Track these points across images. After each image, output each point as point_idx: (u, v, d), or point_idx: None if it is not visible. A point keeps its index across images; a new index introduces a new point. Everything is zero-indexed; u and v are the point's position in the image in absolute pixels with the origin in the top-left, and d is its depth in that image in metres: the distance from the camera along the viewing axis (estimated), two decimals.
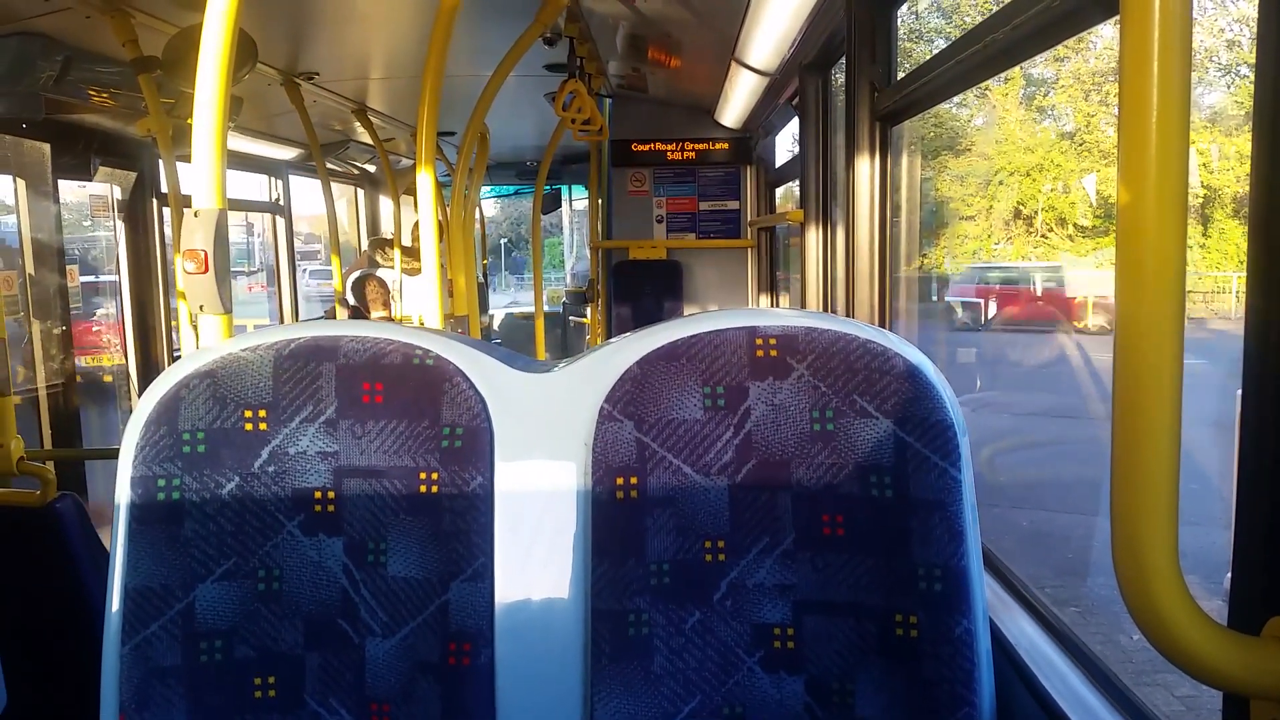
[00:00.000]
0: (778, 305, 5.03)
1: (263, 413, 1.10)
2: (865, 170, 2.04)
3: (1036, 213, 15.57)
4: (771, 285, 5.11)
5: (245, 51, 3.05)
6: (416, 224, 5.24)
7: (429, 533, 1.08)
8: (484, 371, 1.12)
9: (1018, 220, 15.75)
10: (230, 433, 1.09)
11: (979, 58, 1.43)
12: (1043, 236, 15.46)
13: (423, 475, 1.09)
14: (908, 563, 1.04)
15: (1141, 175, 0.61)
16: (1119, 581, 0.64)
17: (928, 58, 1.66)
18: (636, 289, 5.21)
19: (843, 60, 2.43)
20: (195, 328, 1.56)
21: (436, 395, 1.09)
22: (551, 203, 8.44)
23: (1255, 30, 0.68)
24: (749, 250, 5.29)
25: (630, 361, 1.09)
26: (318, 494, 1.10)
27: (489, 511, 1.08)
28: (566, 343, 8.30)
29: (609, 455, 1.08)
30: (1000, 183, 15.90)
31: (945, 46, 1.54)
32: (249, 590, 1.09)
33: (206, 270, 1.48)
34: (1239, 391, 0.69)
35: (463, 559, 1.07)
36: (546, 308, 9.43)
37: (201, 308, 1.51)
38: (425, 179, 2.43)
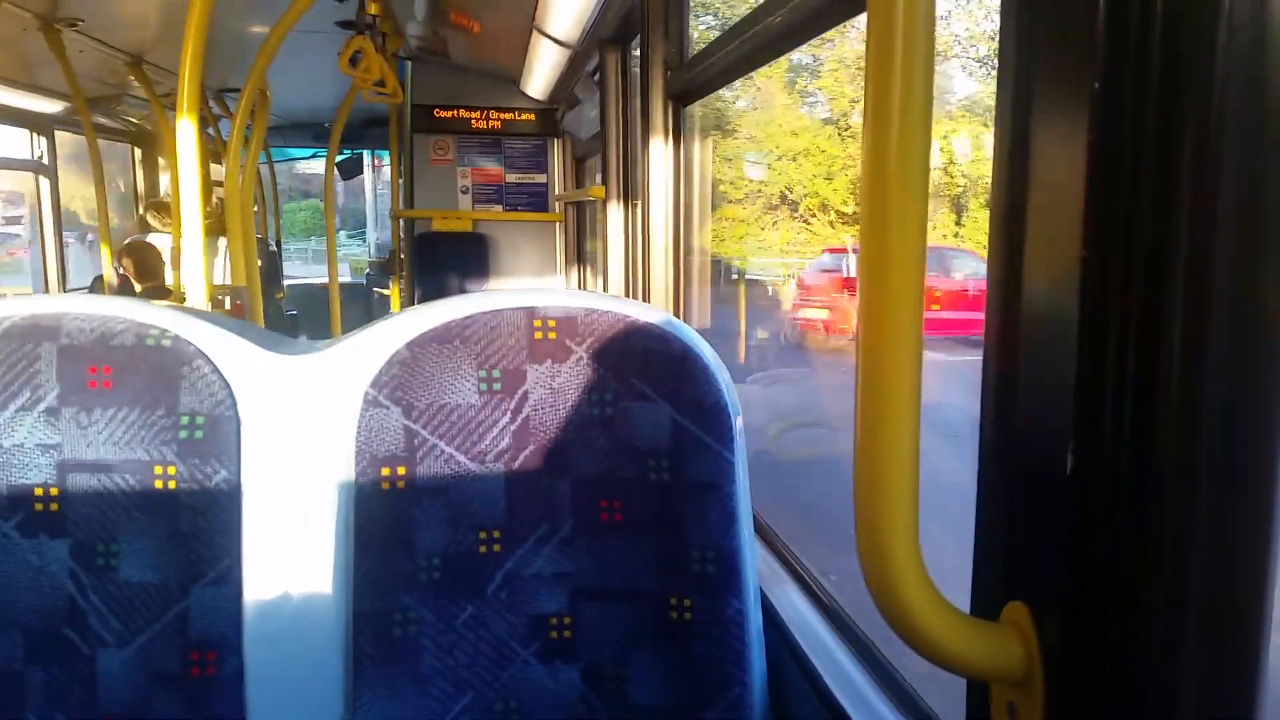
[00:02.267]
0: (585, 281, 5.03)
1: None
2: (659, 150, 2.04)
3: (801, 198, 16.20)
4: (579, 261, 5.10)
5: None
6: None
7: (166, 533, 0.99)
8: (231, 353, 1.02)
9: (783, 205, 16.34)
10: None
11: (761, 39, 1.44)
12: (804, 222, 16.13)
13: (158, 469, 0.99)
14: (682, 545, 1.04)
15: (884, 173, 0.61)
16: (862, 570, 0.65)
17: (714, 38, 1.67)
18: (442, 262, 5.06)
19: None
20: None
21: (174, 380, 0.99)
22: (352, 167, 8.05)
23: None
24: (558, 225, 5.25)
25: (399, 343, 1.03)
26: (38, 491, 0.98)
27: (234, 509, 1.00)
28: (371, 316, 7.98)
29: (374, 444, 1.01)
30: (769, 166, 16.42)
31: (729, 28, 1.55)
32: None
33: None
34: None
35: (204, 561, 0.98)
36: (350, 279, 9.05)
37: None
38: (187, 132, 2.23)
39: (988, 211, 0.70)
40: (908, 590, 0.62)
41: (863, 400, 0.62)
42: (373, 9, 3.26)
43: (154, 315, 1.01)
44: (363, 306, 7.90)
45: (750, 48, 1.48)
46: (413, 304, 5.06)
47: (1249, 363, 0.54)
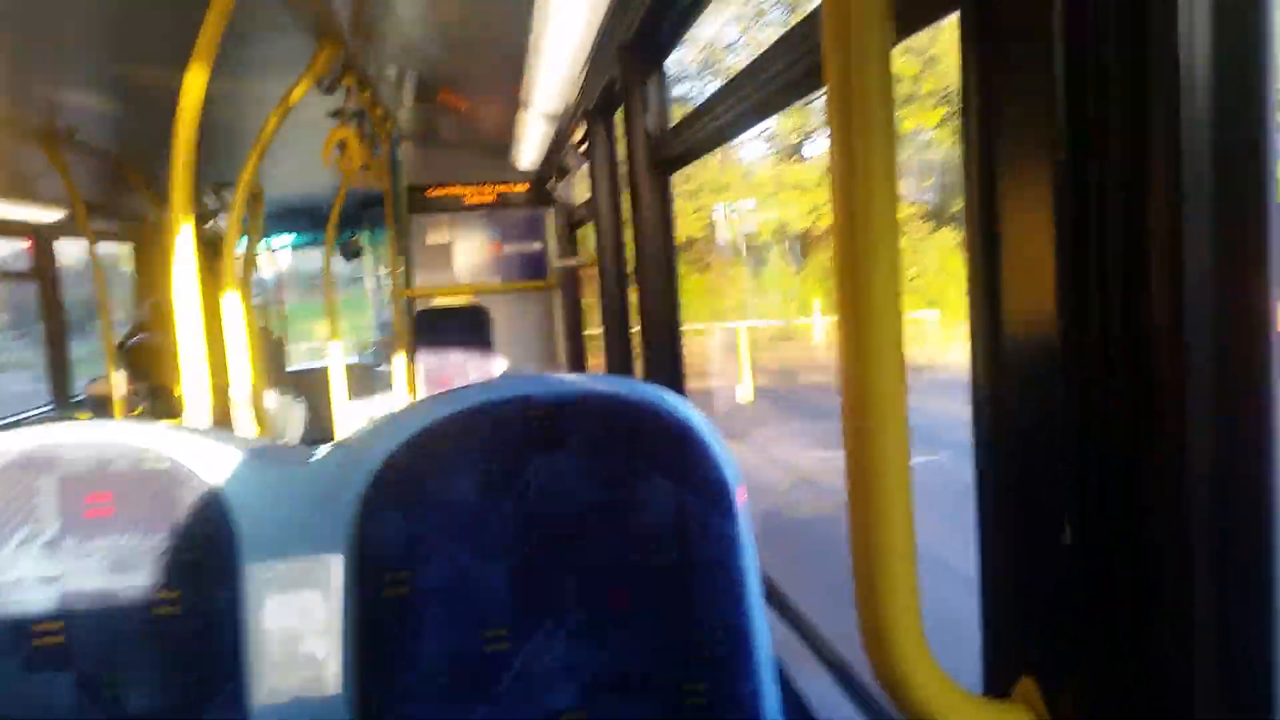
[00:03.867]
0: (583, 344, 5.05)
1: None
2: (648, 217, 2.06)
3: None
4: (577, 327, 5.12)
5: None
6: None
7: (171, 659, 0.98)
8: (226, 469, 1.02)
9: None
10: None
11: (736, 110, 1.46)
12: None
13: (161, 594, 0.98)
14: (693, 628, 1.02)
15: (853, 229, 0.61)
16: (865, 651, 0.64)
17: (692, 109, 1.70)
18: (444, 336, 5.09)
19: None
20: None
21: (172, 501, 0.99)
22: (353, 250, 8.15)
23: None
24: (555, 291, 5.28)
25: (395, 445, 1.03)
26: (40, 626, 0.97)
27: (238, 629, 0.99)
28: (374, 391, 7.99)
29: (375, 550, 1.01)
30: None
31: (706, 100, 1.58)
32: None
33: None
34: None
35: (211, 685, 0.97)
36: (357, 358, 9.07)
37: None
38: (180, 232, 2.26)
39: (968, 273, 0.70)
40: (913, 671, 0.61)
41: (853, 476, 0.62)
42: (362, 99, 3.33)
43: (149, 438, 1.02)
44: (369, 384, 7.91)
45: (727, 118, 1.51)
46: (419, 380, 5.07)
47: (1239, 427, 0.53)
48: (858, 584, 0.63)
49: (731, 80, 1.42)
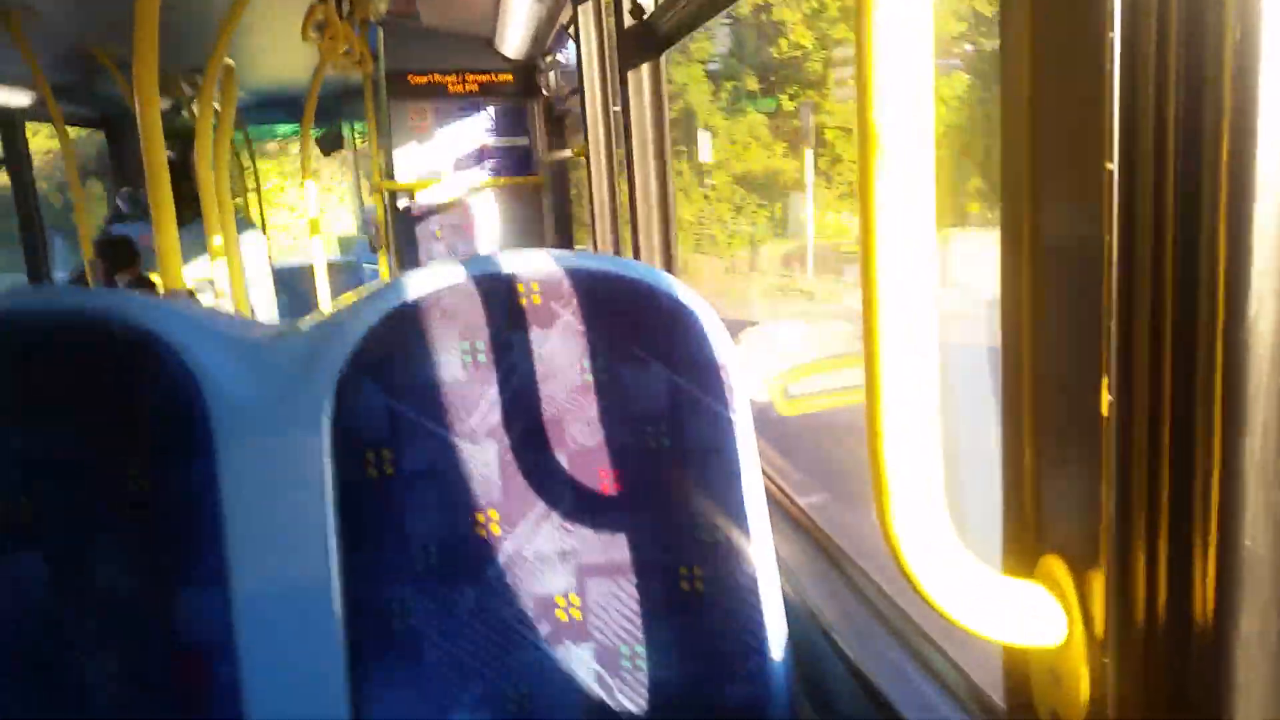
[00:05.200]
0: (573, 242, 4.95)
1: None
2: (639, 101, 1.96)
3: None
4: (566, 223, 5.01)
5: None
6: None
7: (145, 536, 0.94)
8: (197, 340, 0.96)
9: None
10: None
11: None
12: None
13: (131, 471, 0.93)
14: (687, 513, 0.99)
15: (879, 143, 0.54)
16: (879, 524, 0.60)
17: None
18: (427, 233, 4.98)
19: None
20: None
21: (138, 374, 0.94)
22: (333, 141, 7.92)
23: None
24: (544, 186, 5.15)
25: (375, 319, 0.98)
26: (7, 502, 0.93)
27: (215, 505, 0.95)
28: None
29: (356, 427, 0.96)
30: None
31: None
32: None
33: None
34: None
35: (187, 564, 0.93)
36: (340, 256, 8.95)
37: None
38: (148, 118, 2.16)
39: (1001, 117, 0.64)
40: (930, 548, 0.57)
41: (869, 337, 0.56)
42: None
43: (115, 306, 0.96)
44: (354, 283, 7.81)
45: None
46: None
47: None
48: (872, 456, 0.58)
49: None
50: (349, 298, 1.07)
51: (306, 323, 1.03)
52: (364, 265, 8.07)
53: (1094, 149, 0.53)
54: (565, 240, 5.06)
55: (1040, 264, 0.59)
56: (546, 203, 5.18)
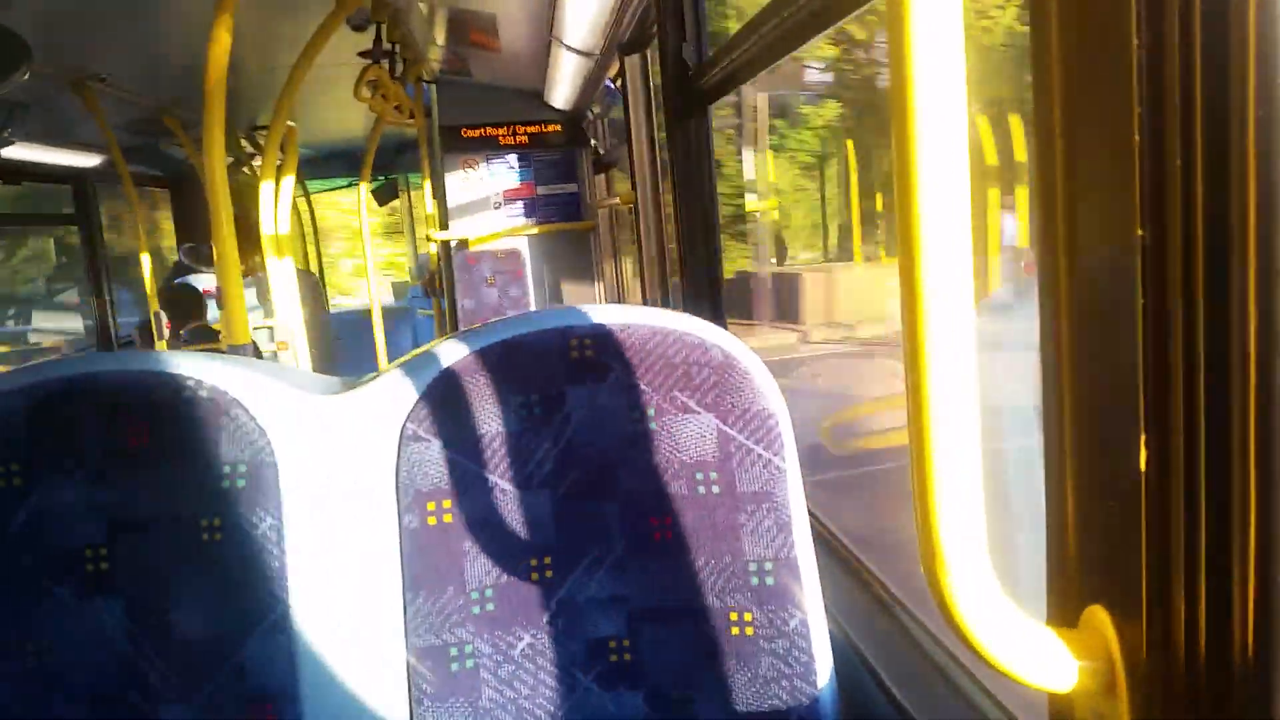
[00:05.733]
0: (625, 286, 5.02)
1: (15, 466, 0.97)
2: (686, 152, 2.01)
3: None
4: (616, 267, 5.08)
5: (16, 53, 2.77)
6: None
7: (216, 585, 0.98)
8: (266, 398, 1.01)
9: None
10: None
11: (779, 32, 1.41)
12: None
13: (204, 522, 0.98)
14: (739, 559, 1.01)
15: (916, 174, 0.57)
16: (925, 578, 0.62)
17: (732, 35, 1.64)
18: (480, 279, 5.08)
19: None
20: None
21: (212, 431, 0.99)
22: (387, 193, 8.14)
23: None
24: (593, 233, 5.24)
25: (434, 375, 1.02)
26: (88, 552, 0.98)
27: (280, 556, 0.99)
28: (417, 339, 8.06)
29: (416, 479, 1.00)
30: None
31: (746, 24, 1.52)
32: (15, 669, 0.97)
33: None
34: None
35: (256, 611, 0.98)
36: (394, 301, 9.14)
37: None
38: (215, 177, 2.26)
39: (1031, 192, 0.66)
40: (975, 599, 0.59)
41: (913, 387, 0.58)
42: (394, 35, 3.28)
43: (188, 366, 1.01)
44: (408, 327, 7.97)
45: (769, 40, 1.45)
46: (455, 324, 5.09)
47: None
48: (917, 506, 0.60)
49: (773, 1, 1.36)
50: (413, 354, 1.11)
51: (371, 378, 1.08)
52: (417, 311, 8.24)
53: (1126, 216, 0.56)
54: (613, 285, 5.13)
55: (1077, 327, 0.61)
56: (595, 249, 5.26)
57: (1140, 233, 0.54)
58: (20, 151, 4.46)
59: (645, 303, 2.89)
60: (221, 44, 2.10)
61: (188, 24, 3.24)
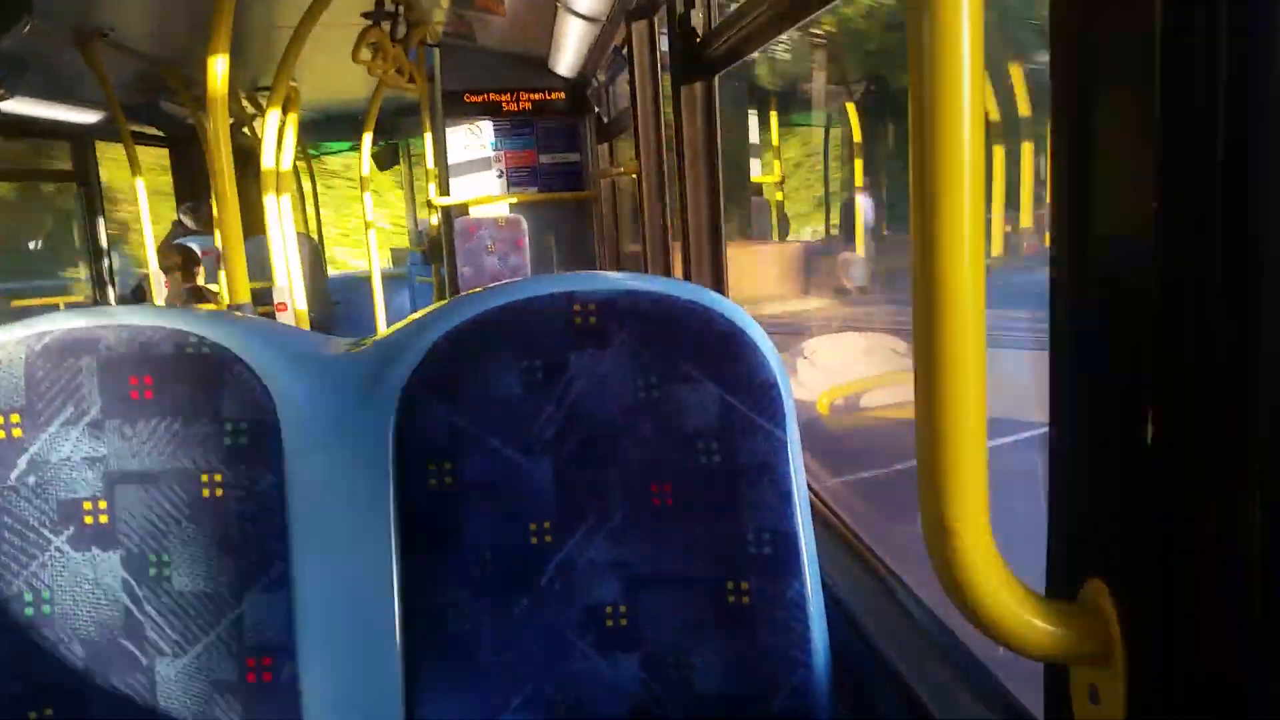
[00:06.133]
0: (620, 258, 5.01)
1: (15, 418, 0.97)
2: (692, 121, 1.99)
3: None
4: (617, 238, 5.07)
5: (16, 5, 2.73)
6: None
7: (216, 541, 0.98)
8: (268, 356, 1.01)
9: None
10: None
11: (786, 2, 1.39)
12: None
13: (204, 478, 0.98)
14: (737, 529, 1.01)
15: (934, 162, 0.57)
16: (927, 548, 0.62)
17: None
18: (480, 247, 5.07)
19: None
20: None
21: (214, 387, 0.99)
22: (389, 157, 8.09)
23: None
24: (594, 202, 5.22)
25: (437, 336, 1.02)
26: (87, 504, 0.98)
27: (282, 513, 0.99)
28: (415, 305, 8.06)
29: (418, 440, 1.00)
30: None
31: None
32: (15, 616, 0.97)
33: None
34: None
35: (256, 567, 0.98)
36: (393, 267, 9.12)
37: None
38: (218, 137, 2.25)
39: (1050, 160, 0.66)
40: (976, 569, 0.59)
41: (921, 359, 0.58)
42: (395, 0, 3.25)
43: (191, 323, 1.01)
44: (405, 293, 7.96)
45: (778, 10, 1.43)
46: (455, 291, 5.08)
47: None
48: (921, 476, 0.60)
49: None
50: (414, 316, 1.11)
51: (372, 340, 1.07)
52: (415, 278, 8.22)
53: (1141, 186, 0.55)
54: (613, 255, 5.12)
55: (1088, 297, 0.61)
56: (597, 218, 5.24)
57: (1155, 205, 0.54)
58: (19, 106, 4.42)
59: (647, 272, 2.89)
60: (226, 0, 2.08)
61: None
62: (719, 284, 2.02)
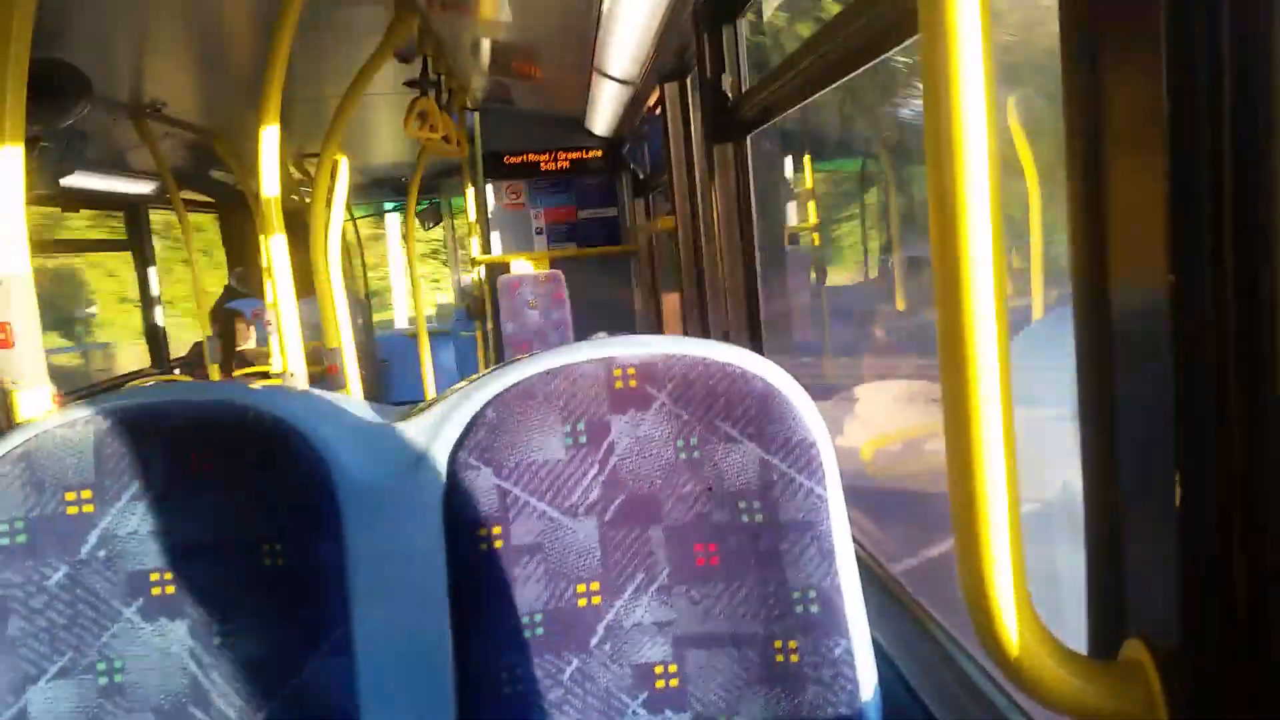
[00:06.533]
0: (662, 311, 5.05)
1: (87, 494, 1.02)
2: (725, 182, 2.04)
3: None
4: (655, 291, 5.12)
5: (78, 86, 2.88)
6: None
7: (277, 608, 1.02)
8: (324, 428, 1.06)
9: None
10: (53, 519, 1.01)
11: (817, 67, 1.44)
12: None
13: (265, 547, 1.02)
14: (783, 587, 1.03)
15: (950, 195, 0.60)
16: (967, 609, 0.64)
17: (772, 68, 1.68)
18: (522, 303, 5.16)
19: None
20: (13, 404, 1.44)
21: (273, 459, 1.03)
22: (433, 216, 8.28)
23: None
24: (633, 256, 5.30)
25: (482, 404, 1.05)
26: (154, 575, 1.03)
27: (341, 580, 1.03)
28: (460, 361, 8.17)
29: (467, 506, 1.03)
30: None
31: (786, 58, 1.55)
32: (89, 687, 1.01)
33: (10, 345, 1.37)
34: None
35: (316, 634, 1.01)
36: (436, 324, 9.28)
37: (15, 384, 1.40)
38: (269, 207, 2.34)
39: (1069, 231, 0.68)
40: (1016, 629, 0.60)
41: (952, 423, 0.61)
42: (439, 67, 3.36)
43: (250, 395, 1.06)
44: (449, 348, 8.08)
45: (807, 76, 1.48)
46: (499, 347, 5.16)
47: None
48: (958, 538, 0.62)
49: (814, 35, 1.40)
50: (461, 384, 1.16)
51: (422, 408, 1.12)
52: (460, 332, 8.35)
53: (1156, 254, 0.57)
54: (655, 307, 5.17)
55: (1115, 368, 0.63)
56: (635, 272, 5.32)
57: (1170, 276, 0.56)
58: (76, 179, 4.62)
59: (685, 328, 2.92)
60: (278, 69, 2.18)
61: (241, 55, 3.35)
62: (755, 341, 2.05)
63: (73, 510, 1.02)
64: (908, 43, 1.13)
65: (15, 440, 1.02)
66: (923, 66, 0.64)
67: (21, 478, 1.00)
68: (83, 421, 1.03)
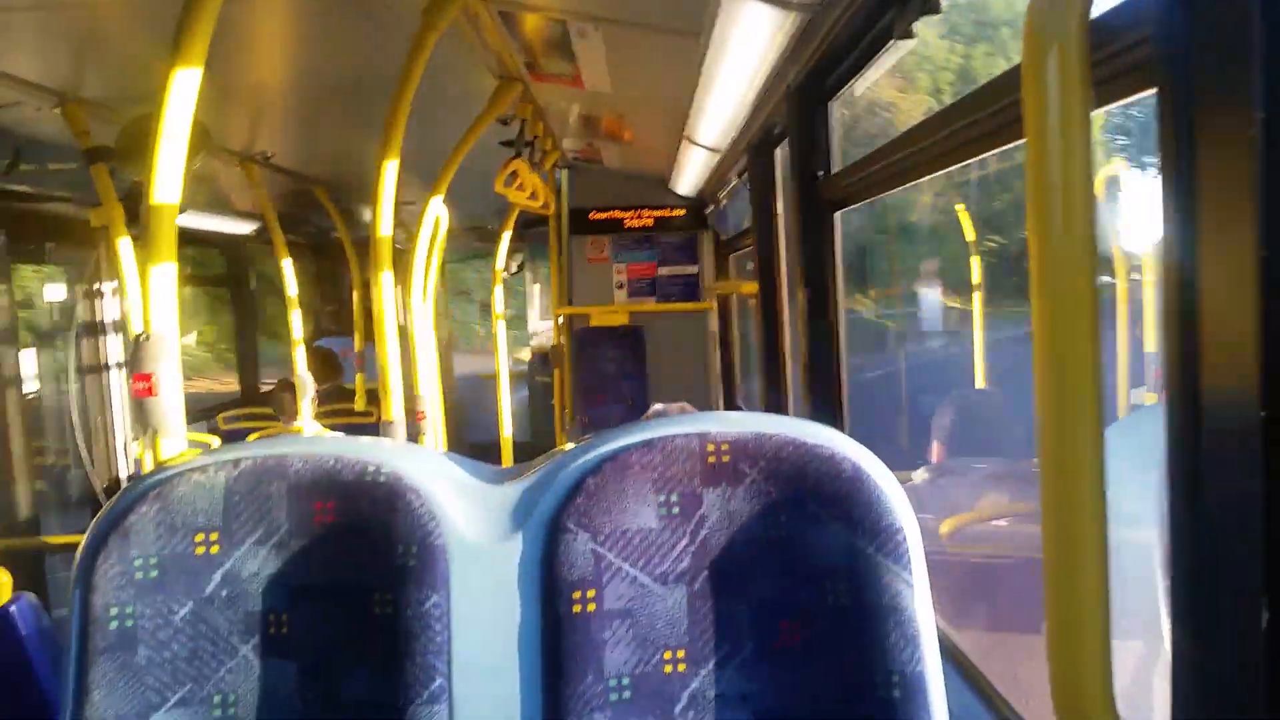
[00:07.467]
0: (736, 370, 5.09)
1: (214, 535, 1.10)
2: (811, 256, 2.09)
3: None
4: (728, 351, 5.17)
5: (199, 139, 3.09)
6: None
7: (384, 654, 1.09)
8: (437, 486, 1.13)
9: None
10: (182, 557, 1.09)
11: (917, 157, 1.49)
12: None
13: (376, 596, 1.09)
14: (865, 670, 1.05)
15: (1055, 324, 0.64)
16: (1055, 710, 0.66)
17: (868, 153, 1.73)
18: (600, 355, 5.25)
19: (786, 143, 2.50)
20: (152, 449, 1.54)
21: (389, 513, 1.10)
22: (517, 266, 8.51)
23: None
24: (710, 313, 5.36)
25: (583, 472, 1.11)
26: (271, 616, 1.10)
27: (445, 631, 1.09)
28: (533, 406, 8.29)
29: (565, 568, 1.09)
30: None
31: (882, 145, 1.61)
32: (204, 717, 1.09)
33: (154, 394, 1.48)
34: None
35: (419, 682, 1.07)
36: (514, 367, 9.45)
37: (154, 431, 1.50)
38: (379, 253, 2.48)
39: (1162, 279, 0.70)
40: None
41: (1049, 531, 0.64)
42: (534, 129, 3.50)
43: (370, 452, 1.14)
44: (525, 395, 8.23)
45: (906, 165, 1.53)
46: (577, 395, 5.25)
47: None
48: (1049, 638, 0.65)
49: (914, 127, 1.44)
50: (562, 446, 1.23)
51: (526, 471, 1.18)
52: (536, 376, 8.50)
53: (1249, 382, 0.60)
54: (727, 365, 5.22)
55: (1205, 494, 0.65)
56: (710, 330, 5.38)
57: (1262, 396, 0.59)
58: (187, 219, 4.90)
59: (763, 397, 2.96)
60: (395, 129, 2.33)
61: (350, 114, 3.54)
62: (839, 419, 2.07)
63: (200, 550, 1.10)
64: (1009, 146, 1.17)
65: (153, 482, 1.11)
66: (1027, 170, 0.69)
67: (157, 518, 1.09)
68: (215, 468, 1.12)
